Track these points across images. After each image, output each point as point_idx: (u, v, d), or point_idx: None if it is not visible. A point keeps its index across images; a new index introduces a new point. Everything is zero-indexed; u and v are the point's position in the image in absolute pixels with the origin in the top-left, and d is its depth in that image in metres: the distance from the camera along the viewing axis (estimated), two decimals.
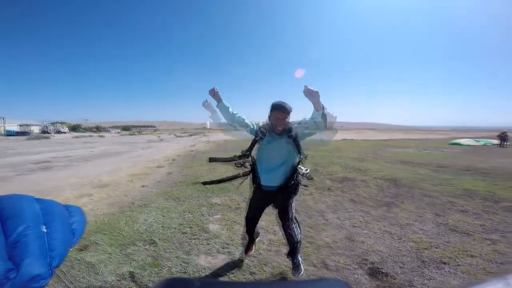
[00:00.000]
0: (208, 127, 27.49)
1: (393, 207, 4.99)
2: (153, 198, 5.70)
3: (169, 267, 2.94)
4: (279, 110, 2.42)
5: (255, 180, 2.68)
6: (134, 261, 3.05)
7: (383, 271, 2.79)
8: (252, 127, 2.61)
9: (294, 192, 2.63)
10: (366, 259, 3.04)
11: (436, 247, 3.31)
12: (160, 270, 2.88)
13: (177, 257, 3.16)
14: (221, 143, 23.95)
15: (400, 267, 2.87)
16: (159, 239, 3.63)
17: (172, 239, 3.65)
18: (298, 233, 2.68)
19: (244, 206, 5.04)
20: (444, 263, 2.92)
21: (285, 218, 2.66)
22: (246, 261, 3.03)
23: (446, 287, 2.50)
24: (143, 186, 6.89)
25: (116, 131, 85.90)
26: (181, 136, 44.44)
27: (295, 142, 2.43)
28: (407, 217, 4.46)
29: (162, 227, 4.07)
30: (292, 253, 2.68)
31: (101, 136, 42.69)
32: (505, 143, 22.79)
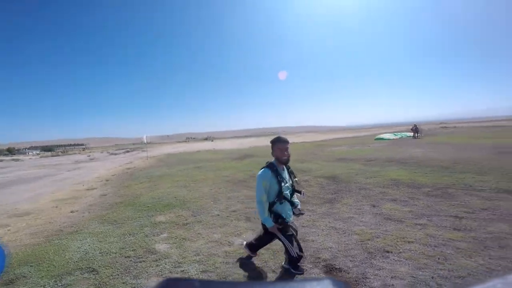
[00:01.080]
0: (146, 141, 25.11)
1: (335, 203, 5.31)
2: (86, 223, 5.10)
3: None
4: (280, 141, 2.65)
5: (283, 221, 2.71)
6: None
7: (337, 266, 2.91)
8: (266, 188, 2.61)
9: None
10: (319, 257, 3.15)
11: (377, 237, 3.59)
12: None
13: (124, 282, 2.87)
14: (163, 158, 21.94)
15: (350, 260, 3.03)
16: (99, 266, 3.27)
17: (114, 264, 3.30)
18: None
19: (192, 220, 4.80)
20: (388, 252, 3.15)
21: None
22: (203, 276, 2.89)
23: (397, 275, 2.70)
24: (72, 212, 6.14)
25: (35, 152, 75.10)
26: (115, 154, 40.78)
27: (292, 173, 2.85)
28: (348, 210, 4.79)
29: (100, 253, 3.67)
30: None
31: (16, 160, 36.66)
32: (417, 134, 26.53)
